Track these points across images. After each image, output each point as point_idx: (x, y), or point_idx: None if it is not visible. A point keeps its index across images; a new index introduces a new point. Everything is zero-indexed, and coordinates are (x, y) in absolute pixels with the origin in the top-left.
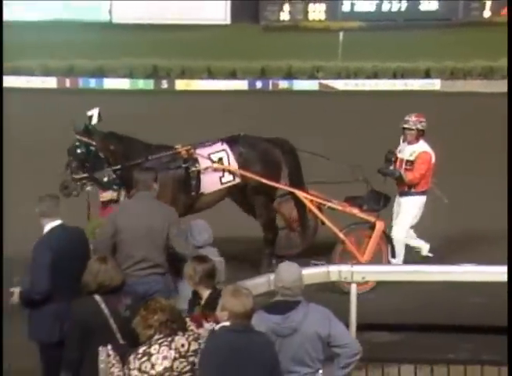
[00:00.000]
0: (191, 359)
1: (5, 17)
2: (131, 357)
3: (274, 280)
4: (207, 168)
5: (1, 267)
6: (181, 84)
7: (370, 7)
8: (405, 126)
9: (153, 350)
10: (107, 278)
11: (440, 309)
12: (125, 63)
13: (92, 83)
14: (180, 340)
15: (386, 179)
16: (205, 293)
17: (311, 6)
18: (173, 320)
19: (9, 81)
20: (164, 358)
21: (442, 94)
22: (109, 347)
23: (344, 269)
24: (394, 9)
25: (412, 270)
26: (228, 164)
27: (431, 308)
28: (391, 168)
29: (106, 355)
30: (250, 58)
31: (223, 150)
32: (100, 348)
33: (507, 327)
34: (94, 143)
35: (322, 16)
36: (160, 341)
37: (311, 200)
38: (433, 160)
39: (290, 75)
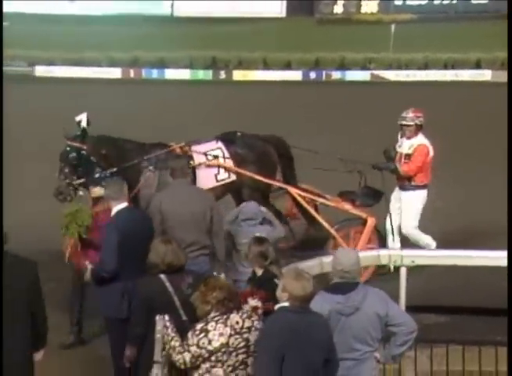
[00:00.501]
0: (245, 335)
1: (74, 11)
2: (190, 333)
3: (333, 264)
4: (201, 165)
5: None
6: (238, 75)
7: (422, 0)
8: (403, 123)
9: (209, 327)
10: (175, 258)
11: (487, 292)
12: (186, 55)
13: (155, 74)
14: (235, 318)
15: (383, 175)
16: (258, 272)
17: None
18: (230, 299)
19: (75, 72)
20: (221, 335)
21: (492, 84)
22: (167, 318)
23: (394, 252)
24: (446, 1)
25: (461, 255)
26: (224, 161)
27: (478, 291)
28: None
29: (162, 325)
30: (305, 50)
31: (218, 148)
32: (157, 318)
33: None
34: (85, 148)
35: (375, 9)
36: (216, 319)
37: (304, 197)
38: (431, 153)
39: (342, 66)
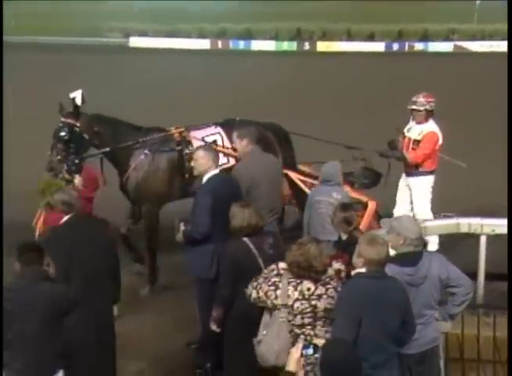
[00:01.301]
0: (313, 302)
1: None
2: (265, 281)
3: (403, 234)
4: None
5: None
6: (322, 46)
7: None
8: (414, 107)
9: (281, 284)
10: (259, 220)
11: None
12: (271, 26)
13: (241, 45)
14: (307, 284)
15: (389, 163)
16: (343, 237)
17: None
18: (315, 268)
19: (169, 43)
20: (288, 296)
21: None
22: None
23: (474, 221)
24: None
25: None
26: (223, 147)
27: None
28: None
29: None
30: (388, 21)
31: (217, 132)
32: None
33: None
34: (78, 125)
35: None
36: (290, 280)
37: (304, 181)
38: (440, 140)
39: (425, 37)
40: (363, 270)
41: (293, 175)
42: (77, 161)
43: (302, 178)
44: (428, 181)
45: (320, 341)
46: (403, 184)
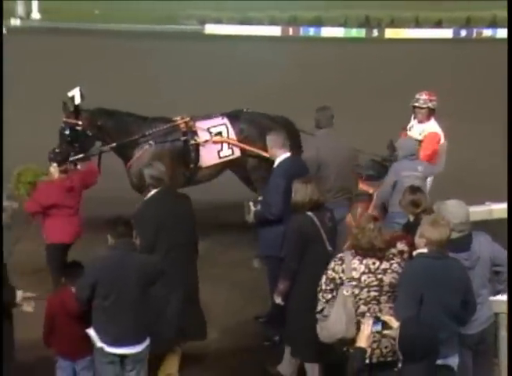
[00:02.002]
0: (379, 276)
1: None
2: (332, 259)
3: (448, 218)
4: (206, 141)
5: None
6: (390, 33)
7: None
8: (416, 105)
9: (346, 259)
10: (317, 196)
11: None
12: (340, 14)
13: (311, 31)
14: (372, 259)
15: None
16: (410, 218)
17: None
18: (372, 247)
19: (240, 30)
20: (354, 269)
21: None
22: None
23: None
24: None
25: None
26: (228, 138)
27: None
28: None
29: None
30: (456, 9)
31: (223, 124)
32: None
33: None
34: (79, 123)
35: None
36: (355, 254)
37: None
38: (442, 140)
39: (494, 24)
40: (425, 250)
41: None
42: (82, 156)
43: None
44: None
45: (388, 318)
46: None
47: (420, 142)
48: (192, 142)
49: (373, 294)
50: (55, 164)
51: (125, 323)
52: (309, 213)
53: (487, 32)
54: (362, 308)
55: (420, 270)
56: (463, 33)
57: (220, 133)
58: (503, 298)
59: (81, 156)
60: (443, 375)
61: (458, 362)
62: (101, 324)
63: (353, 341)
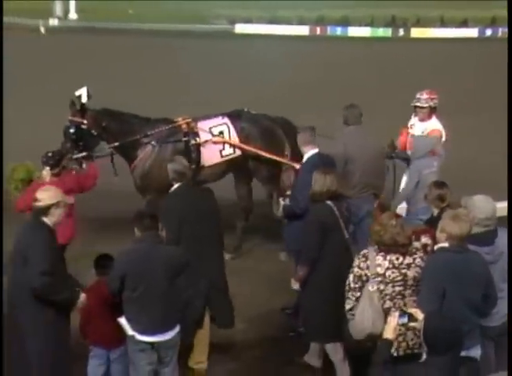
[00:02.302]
0: (403, 270)
1: None
2: (356, 257)
3: (472, 213)
4: (207, 141)
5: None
6: (416, 32)
7: None
8: (417, 104)
9: (370, 256)
10: (335, 187)
11: None
12: (367, 13)
13: (338, 31)
14: (395, 255)
15: (394, 164)
16: (435, 212)
17: None
18: (394, 243)
19: (269, 29)
20: (378, 265)
21: None
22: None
23: None
24: None
25: None
26: (229, 138)
27: None
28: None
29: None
30: (481, 8)
31: (224, 123)
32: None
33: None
34: (85, 122)
35: None
36: (378, 251)
37: None
38: (443, 138)
39: None
40: (446, 245)
41: (298, 167)
42: (85, 154)
43: None
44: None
45: (413, 311)
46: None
47: None
48: (193, 142)
49: (397, 289)
50: (47, 168)
51: (154, 312)
52: (329, 202)
53: None
54: (388, 303)
55: (442, 264)
56: (489, 32)
57: (221, 133)
58: None
59: (84, 154)
60: (466, 366)
61: (480, 353)
62: (132, 314)
63: (381, 336)
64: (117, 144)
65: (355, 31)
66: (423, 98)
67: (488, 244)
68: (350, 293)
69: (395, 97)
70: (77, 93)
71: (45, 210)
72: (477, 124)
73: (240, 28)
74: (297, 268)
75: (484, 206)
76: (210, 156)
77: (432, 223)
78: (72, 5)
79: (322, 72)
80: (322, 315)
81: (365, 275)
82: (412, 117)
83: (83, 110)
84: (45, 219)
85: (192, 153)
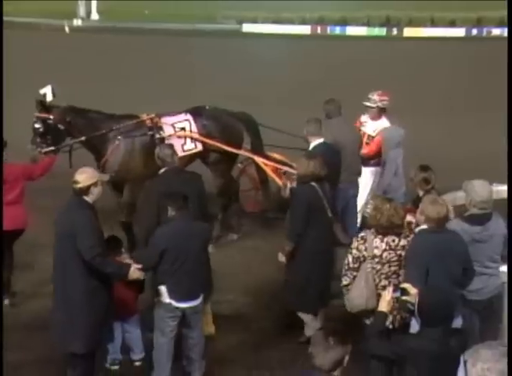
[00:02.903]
0: (399, 252)
1: None
2: (354, 239)
3: (470, 196)
4: (170, 136)
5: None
6: (408, 32)
7: None
8: (367, 104)
9: (368, 238)
10: (318, 170)
11: None
12: (364, 14)
13: (337, 30)
14: (392, 237)
15: None
16: (420, 193)
17: None
18: (391, 225)
19: (274, 29)
20: (376, 247)
21: None
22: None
23: None
24: None
25: None
26: (191, 132)
27: None
28: None
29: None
30: (468, 10)
31: (186, 119)
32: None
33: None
34: (51, 117)
35: None
36: (375, 234)
37: (267, 165)
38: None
39: (503, 24)
40: (425, 226)
41: (258, 159)
42: (53, 148)
43: (267, 162)
44: (377, 172)
45: (407, 285)
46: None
47: (373, 137)
48: (157, 136)
49: (393, 268)
50: None
51: (188, 282)
52: (313, 184)
53: (496, 31)
54: (384, 282)
55: (423, 244)
56: (474, 32)
57: (183, 128)
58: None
59: (52, 148)
60: (455, 337)
61: (462, 323)
62: (168, 285)
63: (373, 312)
64: (83, 138)
65: (352, 30)
66: (373, 98)
67: (481, 224)
68: (348, 272)
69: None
70: (41, 91)
71: (86, 190)
72: (461, 118)
73: (247, 28)
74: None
75: (482, 190)
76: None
77: (416, 204)
78: (94, 6)
79: (322, 69)
80: (305, 286)
81: (363, 256)
82: (365, 115)
83: (48, 107)
84: (86, 198)
85: (156, 146)
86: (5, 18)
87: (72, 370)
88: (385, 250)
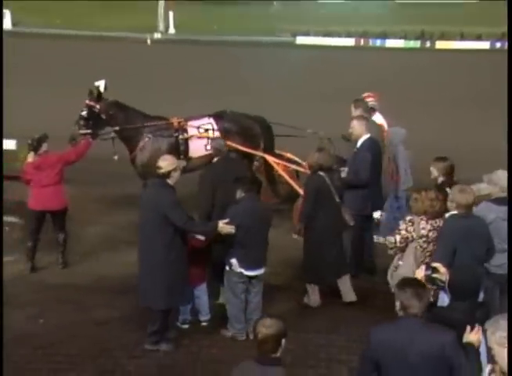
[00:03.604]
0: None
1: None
2: (401, 222)
3: (499, 184)
4: (193, 137)
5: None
6: (440, 44)
7: None
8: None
9: (415, 221)
10: (324, 161)
11: None
12: (401, 28)
13: (378, 42)
14: (433, 219)
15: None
16: (439, 180)
17: None
18: (438, 210)
19: (323, 41)
20: (423, 228)
21: None
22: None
23: None
24: None
25: None
26: (213, 134)
27: None
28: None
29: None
30: (493, 25)
31: (209, 123)
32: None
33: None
34: (97, 107)
35: None
36: (421, 217)
37: (278, 163)
38: (385, 133)
39: None
40: (455, 212)
41: (269, 158)
42: (89, 132)
43: (277, 161)
44: None
45: (437, 265)
46: None
47: None
48: (181, 137)
49: (432, 247)
50: (32, 154)
51: (256, 253)
52: (322, 173)
53: None
54: (428, 258)
55: (453, 227)
56: (498, 45)
57: (207, 130)
58: None
59: (89, 131)
60: (480, 309)
61: (484, 296)
62: (239, 256)
63: None
64: (117, 128)
65: (391, 43)
66: (361, 99)
67: (506, 204)
68: (394, 250)
69: (414, 96)
70: (96, 83)
71: (167, 174)
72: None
73: (300, 40)
74: (355, 228)
75: (505, 178)
76: (197, 149)
77: (440, 189)
78: (171, 22)
79: (365, 75)
80: (318, 261)
81: (412, 236)
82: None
83: (99, 97)
84: (168, 181)
85: (181, 146)
86: (97, 32)
87: (152, 324)
88: (430, 230)
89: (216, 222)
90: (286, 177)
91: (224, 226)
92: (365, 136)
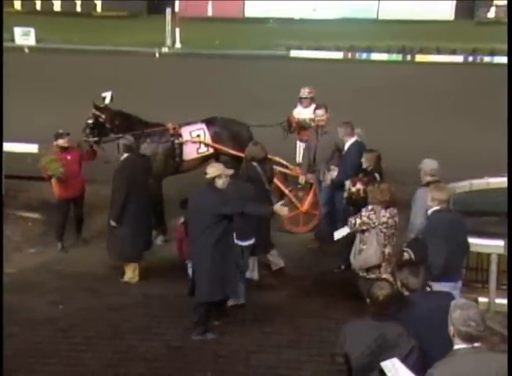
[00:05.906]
0: (395, 218)
1: (314, 17)
2: (364, 209)
3: (423, 169)
4: (187, 141)
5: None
6: (419, 58)
7: None
8: (302, 96)
9: (376, 209)
10: (256, 153)
11: None
12: (385, 44)
13: (364, 56)
14: (387, 209)
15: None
16: (369, 168)
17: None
18: (390, 200)
19: (314, 54)
20: (383, 216)
21: None
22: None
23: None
24: None
25: None
26: (204, 139)
27: None
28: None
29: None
30: (466, 41)
31: (201, 128)
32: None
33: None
34: (103, 116)
35: None
36: (380, 207)
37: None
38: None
39: (493, 53)
40: (438, 208)
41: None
42: (95, 139)
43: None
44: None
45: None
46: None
47: (313, 120)
48: (176, 141)
49: (390, 231)
50: (60, 140)
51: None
52: (255, 163)
53: (487, 58)
54: (385, 241)
55: (439, 221)
56: (470, 58)
57: (199, 135)
58: (493, 242)
59: (95, 139)
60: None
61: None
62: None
63: (379, 266)
64: (120, 135)
65: (376, 56)
66: (306, 92)
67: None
68: (353, 229)
69: (399, 104)
70: (103, 95)
71: (212, 179)
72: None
73: (294, 53)
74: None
75: (430, 164)
76: (190, 152)
77: (365, 174)
78: (177, 37)
79: (352, 85)
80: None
81: (373, 223)
82: (298, 106)
83: (104, 107)
84: (216, 185)
85: (176, 149)
86: (110, 47)
87: (197, 313)
88: (388, 217)
89: (270, 206)
90: (277, 182)
91: (281, 208)
92: (352, 139)
